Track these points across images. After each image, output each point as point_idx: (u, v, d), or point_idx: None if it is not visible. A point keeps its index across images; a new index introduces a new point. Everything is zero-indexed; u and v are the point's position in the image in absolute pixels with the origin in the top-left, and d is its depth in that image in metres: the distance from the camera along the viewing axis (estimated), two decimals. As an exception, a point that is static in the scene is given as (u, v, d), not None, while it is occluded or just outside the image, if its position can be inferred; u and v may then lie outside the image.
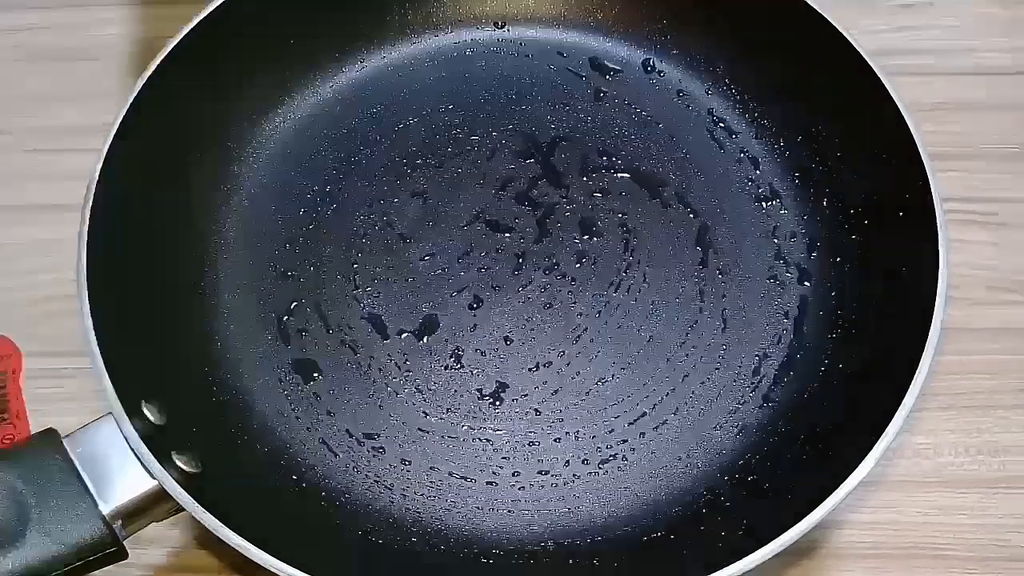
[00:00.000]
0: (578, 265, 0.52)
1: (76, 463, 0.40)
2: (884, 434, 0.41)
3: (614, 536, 0.45)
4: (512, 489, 0.47)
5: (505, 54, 0.58)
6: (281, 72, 0.56)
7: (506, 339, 0.51)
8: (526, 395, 0.49)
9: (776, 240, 0.53)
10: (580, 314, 0.51)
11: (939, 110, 0.58)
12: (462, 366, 0.50)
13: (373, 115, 0.56)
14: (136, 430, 0.41)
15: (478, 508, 0.46)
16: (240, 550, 0.39)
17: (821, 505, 0.40)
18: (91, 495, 0.40)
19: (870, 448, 0.41)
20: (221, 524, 0.40)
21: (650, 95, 0.57)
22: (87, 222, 0.46)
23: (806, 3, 0.52)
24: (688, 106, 0.57)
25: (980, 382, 0.51)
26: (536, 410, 0.49)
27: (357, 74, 0.57)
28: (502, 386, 0.49)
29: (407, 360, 0.50)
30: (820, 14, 0.51)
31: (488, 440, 0.48)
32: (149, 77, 0.49)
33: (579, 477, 0.47)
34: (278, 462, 0.47)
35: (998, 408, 0.50)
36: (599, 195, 0.54)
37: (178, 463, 0.42)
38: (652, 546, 0.45)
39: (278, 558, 0.39)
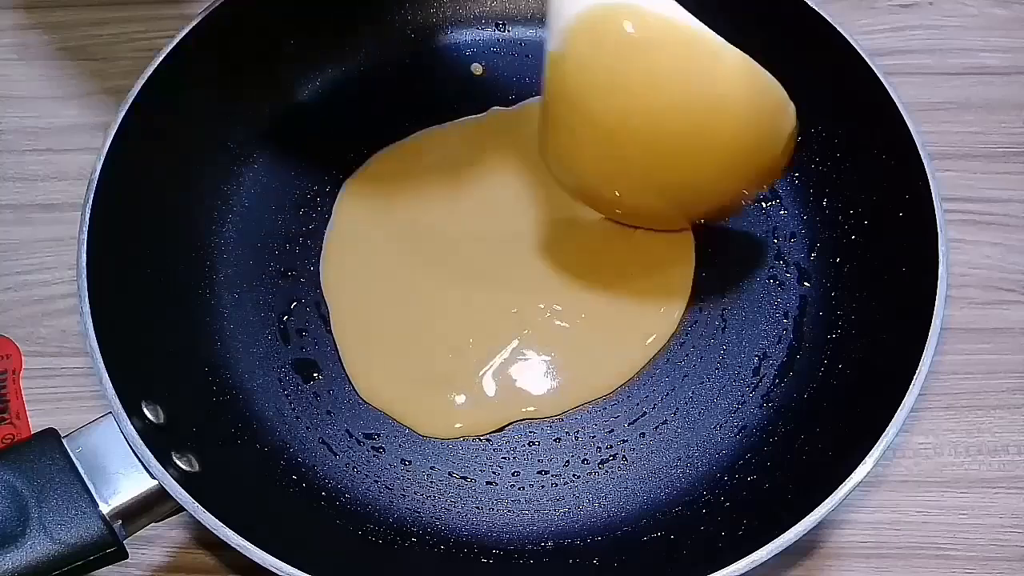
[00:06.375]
0: (578, 265, 0.53)
1: (76, 463, 0.40)
2: (884, 434, 0.41)
3: (614, 536, 0.45)
4: (512, 489, 0.47)
5: (505, 54, 0.58)
6: (281, 72, 0.56)
7: (506, 339, 0.51)
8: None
9: (776, 240, 0.53)
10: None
11: (939, 110, 0.58)
12: (462, 366, 0.50)
13: (373, 115, 0.57)
14: (136, 430, 0.41)
15: (478, 508, 0.46)
16: (240, 550, 0.39)
17: (821, 505, 0.40)
18: (91, 495, 0.40)
19: (870, 448, 0.41)
20: (221, 524, 0.40)
21: (650, 95, 0.57)
22: (87, 222, 0.46)
23: (806, 3, 0.52)
24: (688, 106, 0.57)
25: (980, 382, 0.51)
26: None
27: (357, 74, 0.57)
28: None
29: (407, 360, 0.50)
30: (820, 14, 0.51)
31: (488, 440, 0.48)
32: (149, 77, 0.49)
33: (579, 477, 0.47)
34: (278, 462, 0.47)
35: (998, 408, 0.50)
36: (599, 195, 0.54)
37: (178, 463, 0.42)
38: (652, 546, 0.44)
39: (278, 558, 0.39)
